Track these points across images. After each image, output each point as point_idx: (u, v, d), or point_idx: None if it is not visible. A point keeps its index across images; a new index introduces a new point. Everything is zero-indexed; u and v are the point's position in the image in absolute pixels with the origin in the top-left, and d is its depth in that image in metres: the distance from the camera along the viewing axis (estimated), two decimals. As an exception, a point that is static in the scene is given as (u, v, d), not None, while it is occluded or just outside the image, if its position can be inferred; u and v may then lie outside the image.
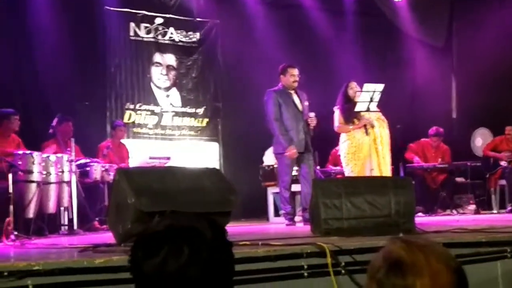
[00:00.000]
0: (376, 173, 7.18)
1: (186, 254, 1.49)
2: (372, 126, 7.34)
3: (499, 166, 9.38)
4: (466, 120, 11.07)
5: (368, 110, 7.21)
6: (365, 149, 7.30)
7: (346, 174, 7.45)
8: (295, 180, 7.44)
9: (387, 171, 7.38)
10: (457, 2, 11.29)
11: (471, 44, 10.91)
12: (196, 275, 1.49)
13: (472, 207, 9.36)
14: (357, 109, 7.25)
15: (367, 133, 7.31)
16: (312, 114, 7.09)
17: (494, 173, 9.43)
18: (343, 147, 7.46)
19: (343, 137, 7.48)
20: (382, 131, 7.42)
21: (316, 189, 5.01)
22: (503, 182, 9.36)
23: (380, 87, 7.17)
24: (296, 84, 7.14)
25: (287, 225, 7.02)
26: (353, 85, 7.47)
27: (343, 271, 3.49)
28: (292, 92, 7.17)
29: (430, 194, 9.49)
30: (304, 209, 6.81)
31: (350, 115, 7.34)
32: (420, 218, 7.39)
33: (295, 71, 7.14)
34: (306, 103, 7.17)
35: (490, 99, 10.50)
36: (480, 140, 10.38)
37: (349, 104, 7.38)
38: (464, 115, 11.24)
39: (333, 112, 7.44)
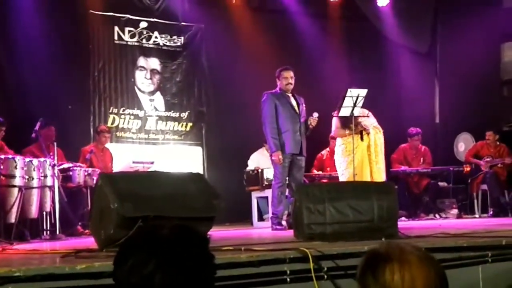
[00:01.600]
0: (362, 179, 7.23)
1: (153, 264, 1.45)
2: (368, 133, 7.45)
3: (481, 171, 9.47)
4: (449, 125, 11.16)
5: (352, 115, 7.27)
6: (358, 155, 7.39)
7: (340, 179, 7.54)
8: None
9: (380, 178, 7.45)
10: (441, 8, 11.37)
11: (454, 49, 11.00)
12: (163, 285, 1.45)
13: (455, 211, 9.44)
14: (341, 114, 7.31)
15: (362, 139, 7.41)
16: (315, 115, 7.11)
17: (476, 178, 9.51)
18: (338, 151, 7.58)
19: (338, 141, 7.60)
20: (377, 139, 7.53)
21: (299, 194, 5.02)
22: (485, 187, 9.44)
23: (363, 92, 7.23)
24: (290, 87, 7.15)
25: (275, 229, 6.91)
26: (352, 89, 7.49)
27: (325, 276, 3.49)
28: (290, 95, 7.20)
29: (413, 198, 9.55)
30: (289, 214, 6.80)
31: (347, 120, 7.41)
32: (403, 223, 7.45)
33: (289, 74, 7.16)
34: (304, 107, 7.20)
35: (473, 105, 10.60)
36: (463, 145, 10.47)
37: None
38: (447, 120, 11.32)
39: (320, 117, 7.46)
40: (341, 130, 7.57)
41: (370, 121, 7.58)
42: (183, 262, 1.48)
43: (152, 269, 1.45)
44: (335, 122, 7.62)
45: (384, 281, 1.45)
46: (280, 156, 6.96)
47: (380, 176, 7.50)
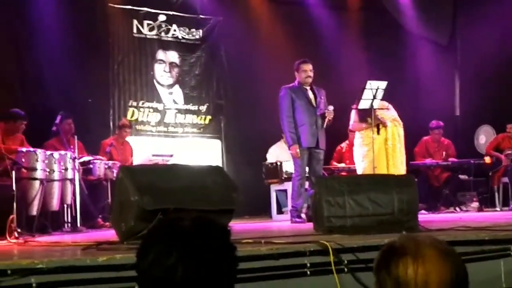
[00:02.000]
0: (380, 172, 7.20)
1: (174, 256, 1.45)
2: (385, 126, 7.40)
3: (502, 164, 9.37)
4: (469, 117, 11.05)
5: (371, 107, 7.23)
6: (375, 148, 7.35)
7: (358, 172, 7.53)
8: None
9: (396, 172, 7.40)
10: (461, -1, 11.27)
11: (474, 41, 10.88)
12: (185, 278, 1.45)
13: (475, 204, 9.35)
14: (360, 106, 7.27)
15: (378, 132, 7.36)
16: (331, 108, 7.08)
17: (497, 171, 9.41)
18: (356, 144, 7.60)
19: (357, 135, 7.59)
20: (395, 132, 7.47)
21: (319, 187, 5.00)
22: (506, 179, 9.34)
23: (383, 84, 7.18)
24: (309, 80, 7.13)
25: (294, 222, 6.90)
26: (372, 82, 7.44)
27: (346, 269, 3.48)
28: (308, 88, 7.17)
29: (433, 191, 9.49)
30: (309, 207, 6.79)
31: (365, 114, 7.38)
32: (423, 216, 7.40)
33: (308, 67, 7.14)
34: (323, 100, 7.16)
35: (494, 97, 10.48)
36: (484, 137, 10.36)
37: None
38: (467, 112, 11.22)
39: (338, 110, 7.42)
40: (358, 124, 7.55)
41: (389, 114, 7.53)
42: (204, 254, 1.47)
43: (174, 261, 1.45)
44: (353, 115, 7.61)
45: (398, 275, 1.44)
46: (298, 150, 6.95)
47: (396, 170, 7.43)
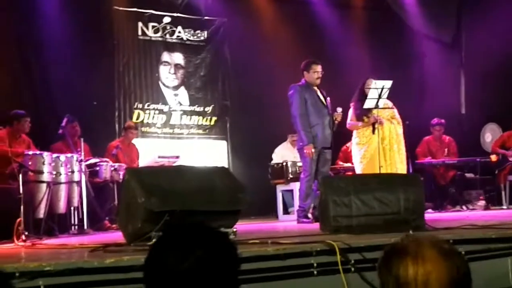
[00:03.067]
0: (376, 171, 7.16)
1: (186, 261, 1.54)
2: (381, 124, 7.30)
3: (508, 161, 9.34)
4: (475, 115, 11.02)
5: (377, 107, 7.19)
6: (372, 147, 7.29)
7: (356, 171, 7.48)
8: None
9: (394, 171, 7.36)
10: (465, -3, 11.25)
11: (480, 39, 10.85)
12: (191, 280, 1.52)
13: (482, 203, 9.33)
14: (365, 106, 7.24)
15: (374, 131, 7.29)
16: (339, 110, 7.07)
17: (504, 169, 9.39)
18: (353, 143, 7.53)
19: (354, 134, 7.53)
20: (392, 130, 7.40)
21: (325, 187, 5.01)
22: (513, 177, 9.33)
23: (388, 83, 7.15)
24: (319, 81, 7.10)
25: (301, 222, 6.89)
26: (370, 82, 7.39)
27: (352, 269, 3.49)
28: (316, 88, 7.15)
29: (440, 190, 9.47)
30: (315, 207, 6.77)
31: (361, 113, 7.34)
32: (430, 215, 7.39)
33: (319, 68, 7.11)
34: (328, 100, 7.16)
35: (499, 94, 10.45)
36: (490, 135, 10.34)
37: (362, 102, 7.36)
38: (473, 110, 11.18)
39: (343, 109, 7.41)
40: (355, 123, 7.45)
41: (386, 112, 7.43)
42: (206, 258, 1.56)
43: (187, 266, 1.54)
44: (350, 114, 7.50)
45: (398, 276, 1.45)
46: (313, 150, 6.91)
47: (394, 169, 7.33)
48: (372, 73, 8.02)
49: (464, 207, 9.27)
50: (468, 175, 9.66)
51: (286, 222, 7.84)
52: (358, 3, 11.32)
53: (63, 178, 6.44)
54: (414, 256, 1.45)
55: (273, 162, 9.08)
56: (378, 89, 7.07)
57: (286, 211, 8.81)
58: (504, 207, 9.25)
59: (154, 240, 3.75)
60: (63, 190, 6.45)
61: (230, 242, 1.65)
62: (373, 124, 7.30)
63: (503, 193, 9.43)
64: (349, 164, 9.37)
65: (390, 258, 1.48)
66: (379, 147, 7.22)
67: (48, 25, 8.63)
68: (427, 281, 1.43)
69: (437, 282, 1.43)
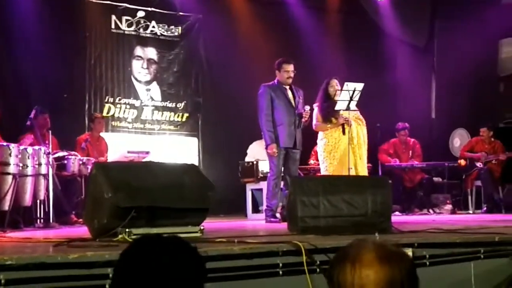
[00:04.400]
0: (353, 172, 7.19)
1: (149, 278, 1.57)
2: (349, 125, 7.31)
3: (475, 167, 9.48)
4: (445, 120, 11.17)
5: (348, 109, 7.21)
6: (341, 148, 7.29)
7: (322, 173, 7.47)
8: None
9: (363, 171, 7.40)
10: (439, 3, 11.36)
11: (452, 44, 10.99)
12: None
13: (449, 207, 9.46)
14: (337, 107, 7.25)
15: (344, 132, 7.29)
16: (307, 108, 7.09)
17: (471, 174, 9.53)
18: (320, 145, 7.46)
19: (320, 135, 7.48)
20: (359, 131, 7.42)
21: (294, 187, 5.01)
22: (479, 183, 9.46)
23: (360, 86, 7.18)
24: (290, 80, 7.12)
25: (269, 221, 6.92)
26: (334, 82, 7.43)
27: (318, 270, 3.50)
28: (287, 87, 7.16)
29: (407, 193, 9.57)
30: (284, 207, 6.80)
31: (328, 114, 7.33)
32: (397, 217, 7.46)
33: (290, 67, 7.12)
34: (301, 100, 7.17)
35: (469, 100, 10.61)
36: (458, 140, 10.48)
37: (328, 102, 7.36)
38: (443, 115, 11.33)
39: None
40: (322, 124, 7.42)
41: (352, 113, 7.42)
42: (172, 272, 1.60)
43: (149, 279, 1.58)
44: (315, 115, 7.43)
45: (339, 282, 1.47)
46: (275, 150, 6.95)
47: (363, 169, 7.40)
48: (345, 75, 8.07)
49: (431, 210, 9.38)
50: (435, 179, 9.78)
51: (255, 221, 7.86)
52: (333, 6, 11.37)
53: (30, 171, 6.33)
54: (352, 261, 1.46)
55: (244, 160, 9.08)
56: (349, 91, 7.10)
57: (255, 210, 8.82)
58: (470, 211, 9.40)
59: (133, 237, 3.74)
60: (29, 182, 6.34)
61: (197, 254, 1.69)
62: (343, 125, 7.29)
63: (469, 197, 9.58)
64: (315, 164, 9.38)
65: (333, 265, 1.50)
66: (348, 148, 7.22)
67: (19, 15, 8.50)
68: (363, 285, 1.44)
69: (375, 285, 1.44)
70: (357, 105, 7.32)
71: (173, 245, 1.64)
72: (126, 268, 1.61)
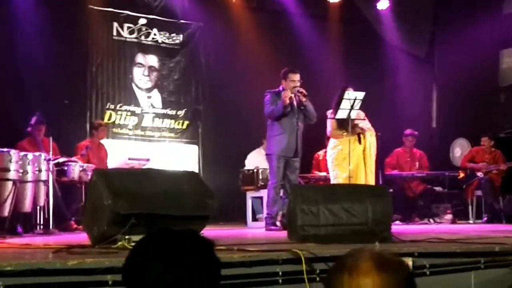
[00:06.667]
0: (356, 181, 7.20)
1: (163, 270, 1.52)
2: (364, 136, 7.38)
3: (476, 177, 9.47)
4: (445, 130, 11.16)
5: (349, 117, 7.23)
6: (354, 158, 7.31)
7: (332, 180, 7.48)
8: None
9: (372, 181, 7.43)
10: (440, 13, 11.39)
11: (453, 54, 11.00)
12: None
13: (449, 216, 9.44)
14: (338, 116, 7.27)
15: (360, 142, 7.33)
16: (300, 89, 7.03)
17: (471, 184, 9.51)
18: (333, 152, 7.47)
19: (333, 142, 7.49)
20: (371, 142, 7.48)
21: (294, 195, 5.01)
22: (480, 192, 9.45)
23: (361, 95, 7.20)
24: (295, 90, 7.11)
25: (269, 229, 6.91)
26: (350, 90, 7.41)
27: (317, 278, 3.49)
28: (292, 95, 7.16)
29: (408, 202, 9.55)
30: (284, 215, 6.79)
31: (344, 121, 7.35)
32: (398, 226, 7.44)
33: (296, 77, 7.12)
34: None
35: (470, 110, 10.60)
36: (459, 150, 10.47)
37: None
38: (443, 125, 11.33)
39: (317, 118, 7.40)
40: (337, 131, 7.46)
41: (364, 123, 7.51)
42: (190, 268, 1.56)
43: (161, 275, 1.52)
44: (330, 122, 7.50)
45: None
46: (288, 94, 6.89)
47: (372, 178, 7.45)
48: (346, 84, 8.07)
49: (431, 220, 9.36)
50: (436, 188, 9.76)
51: (255, 229, 7.83)
52: (334, 15, 11.39)
53: (30, 177, 6.33)
54: (350, 270, 1.45)
55: (244, 168, 9.07)
56: (350, 100, 7.12)
57: (255, 218, 8.80)
58: (471, 221, 9.37)
59: (133, 245, 3.71)
60: (29, 188, 6.34)
61: (215, 255, 1.65)
62: (359, 135, 7.34)
63: (470, 207, 9.56)
64: (324, 173, 9.33)
65: (330, 274, 1.49)
66: (364, 156, 7.30)
67: (21, 22, 8.52)
68: None
69: None
70: (366, 116, 7.37)
71: (190, 237, 1.60)
72: (140, 258, 1.55)
